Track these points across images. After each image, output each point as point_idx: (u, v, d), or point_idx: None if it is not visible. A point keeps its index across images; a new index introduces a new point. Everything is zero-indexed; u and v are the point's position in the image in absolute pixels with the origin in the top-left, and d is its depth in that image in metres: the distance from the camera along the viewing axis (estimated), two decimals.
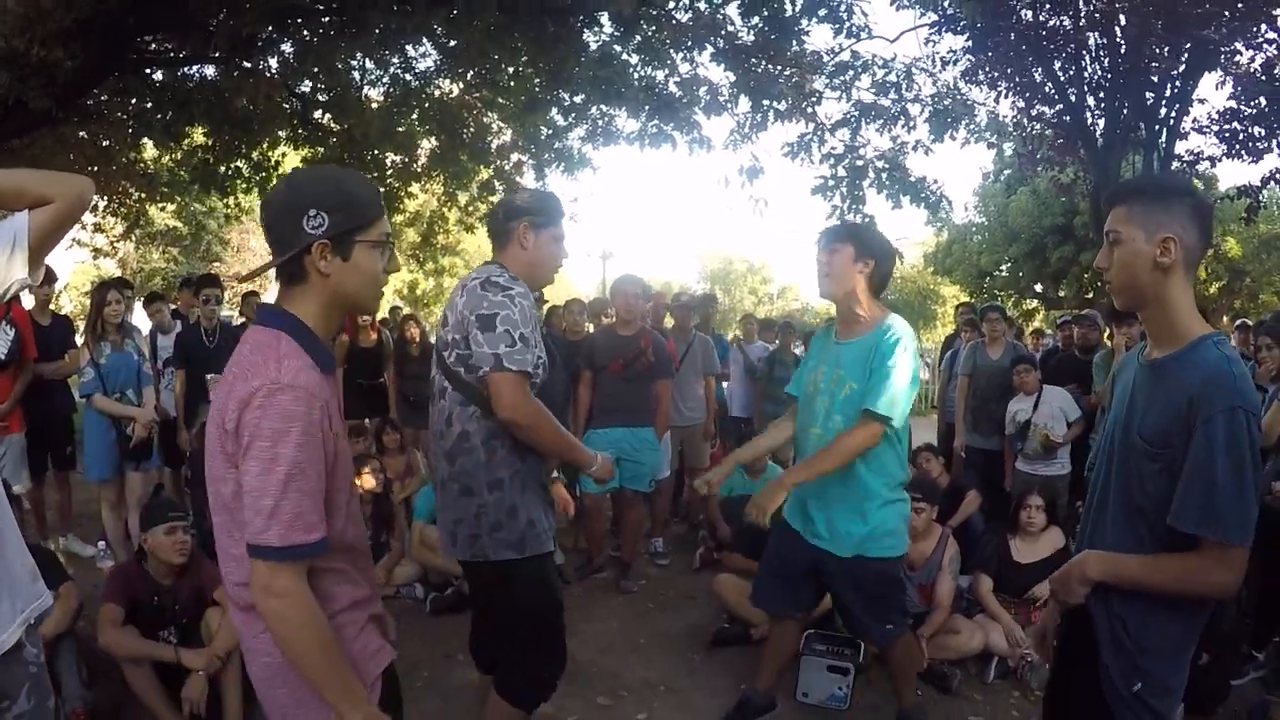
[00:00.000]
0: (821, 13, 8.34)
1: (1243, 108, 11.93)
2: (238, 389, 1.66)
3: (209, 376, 6.02)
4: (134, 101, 9.82)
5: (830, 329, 3.55)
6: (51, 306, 6.40)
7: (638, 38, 8.35)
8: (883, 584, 3.41)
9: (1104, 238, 2.08)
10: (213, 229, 26.49)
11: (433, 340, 4.72)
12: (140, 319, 8.32)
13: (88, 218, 12.82)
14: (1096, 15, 11.08)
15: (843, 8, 8.38)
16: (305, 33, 8.29)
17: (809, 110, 8.52)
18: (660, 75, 8.96)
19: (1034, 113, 12.85)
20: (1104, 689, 2.08)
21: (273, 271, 1.80)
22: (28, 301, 5.84)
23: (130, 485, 5.61)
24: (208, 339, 6.35)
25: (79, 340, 6.05)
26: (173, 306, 8.04)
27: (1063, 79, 12.11)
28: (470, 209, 12.71)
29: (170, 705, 3.53)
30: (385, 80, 10.60)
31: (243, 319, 7.73)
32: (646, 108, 8.62)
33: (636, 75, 8.81)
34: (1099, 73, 12.08)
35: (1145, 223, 1.99)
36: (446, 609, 5.05)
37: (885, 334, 3.24)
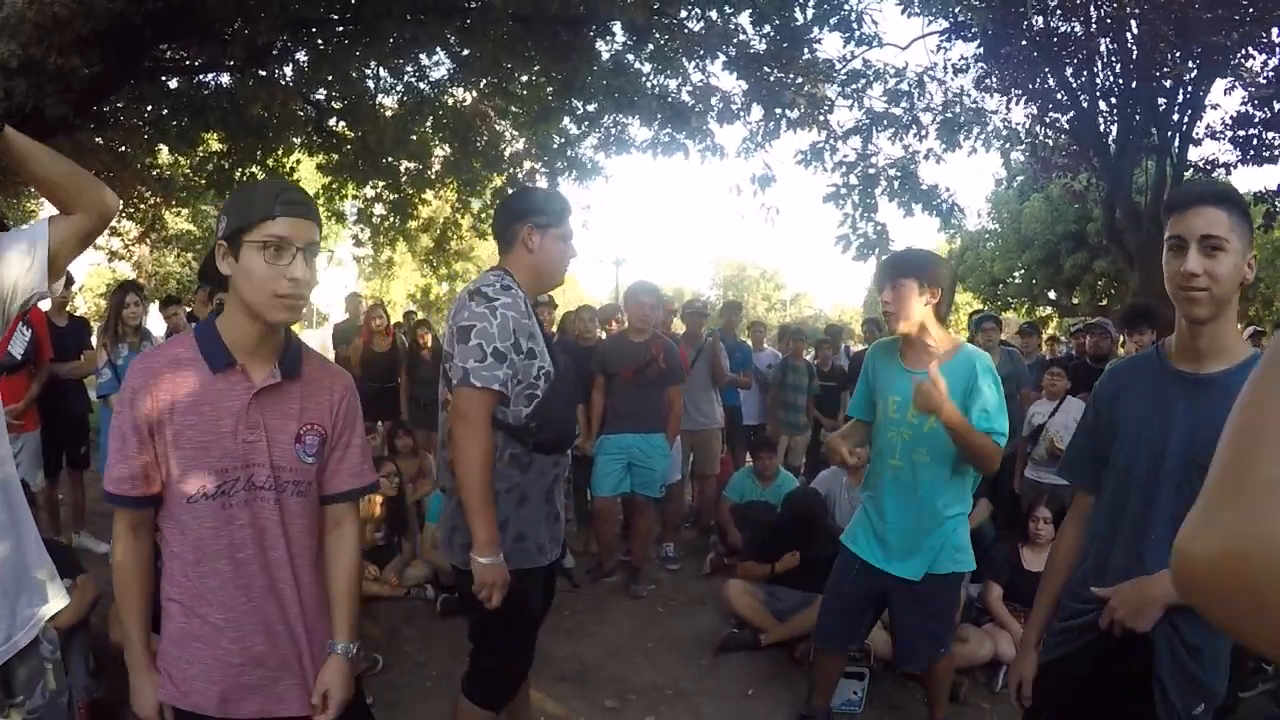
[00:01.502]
0: (833, 21, 8.36)
1: (1255, 113, 11.89)
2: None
3: None
4: (150, 108, 9.90)
5: (889, 352, 3.39)
6: (67, 309, 6.46)
7: (650, 47, 8.38)
8: (949, 602, 3.41)
9: (1190, 241, 1.93)
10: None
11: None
12: (155, 323, 8.40)
13: None
14: (1108, 21, 11.09)
15: (853, 16, 8.40)
16: (320, 42, 8.35)
17: (821, 118, 8.53)
18: (673, 84, 8.98)
19: (1047, 119, 12.84)
20: (1160, 716, 2.02)
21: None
22: (44, 303, 5.90)
23: None
24: None
25: (94, 342, 6.12)
26: (187, 310, 8.11)
27: (1074, 85, 12.11)
28: (484, 215, 12.77)
29: None
30: (399, 89, 10.64)
31: None
32: (659, 116, 8.63)
33: (649, 84, 8.83)
34: (1111, 79, 12.08)
35: (1243, 233, 1.95)
36: (456, 610, 5.08)
37: (971, 362, 3.16)
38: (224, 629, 1.91)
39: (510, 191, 11.69)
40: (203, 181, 11.99)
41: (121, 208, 12.58)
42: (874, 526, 3.37)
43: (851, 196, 8.94)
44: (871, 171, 8.93)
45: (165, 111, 9.90)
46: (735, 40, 7.98)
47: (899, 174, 8.87)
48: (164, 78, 9.36)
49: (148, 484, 1.86)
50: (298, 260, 1.81)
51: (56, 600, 2.11)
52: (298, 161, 11.99)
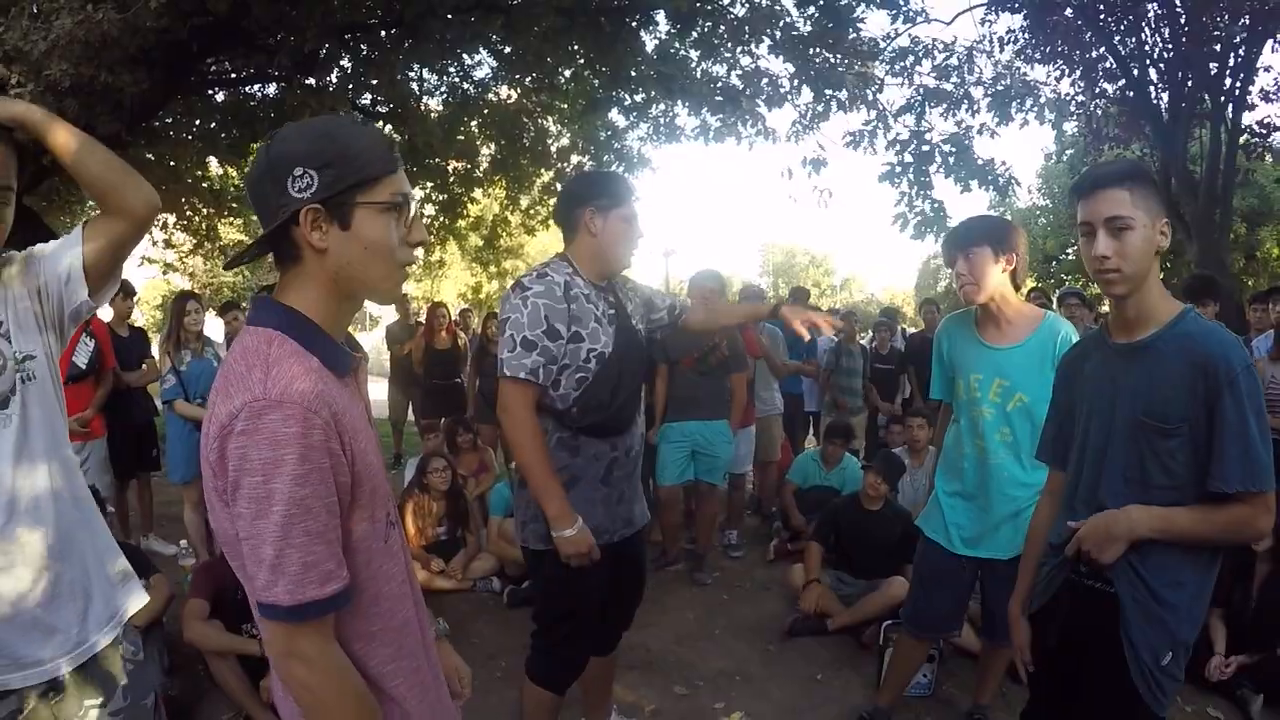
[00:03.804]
0: (878, 1, 8.29)
1: None
2: (218, 410, 1.29)
3: None
4: (198, 122, 10.11)
5: (964, 326, 3.25)
6: (128, 320, 6.59)
7: (694, 34, 8.34)
8: None
9: (1098, 226, 2.02)
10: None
11: None
12: (212, 330, 8.55)
13: (158, 234, 13.20)
14: None
15: None
16: (364, 47, 8.44)
17: (871, 98, 8.45)
18: (721, 70, 8.93)
19: (1096, 89, 12.57)
20: (1130, 671, 2.06)
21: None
22: (106, 314, 6.03)
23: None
24: None
25: (155, 351, 6.23)
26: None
27: (1123, 53, 11.83)
28: (532, 211, 12.85)
29: (253, 695, 3.64)
30: (444, 90, 10.74)
31: None
32: (712, 102, 8.59)
33: (699, 70, 8.80)
34: (1160, 45, 11.78)
35: (1149, 207, 2.01)
36: (523, 601, 5.11)
37: (1056, 335, 3.03)
38: (436, 698, 1.60)
39: (569, 178, 11.80)
40: (235, 201, 12.19)
41: (175, 221, 12.85)
42: (957, 509, 3.28)
43: (907, 175, 8.85)
44: (926, 149, 8.83)
45: (213, 124, 10.11)
46: (781, 23, 7.91)
47: (953, 150, 8.75)
48: (211, 91, 9.55)
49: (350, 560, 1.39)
50: (419, 221, 1.46)
51: (136, 599, 2.09)
52: None
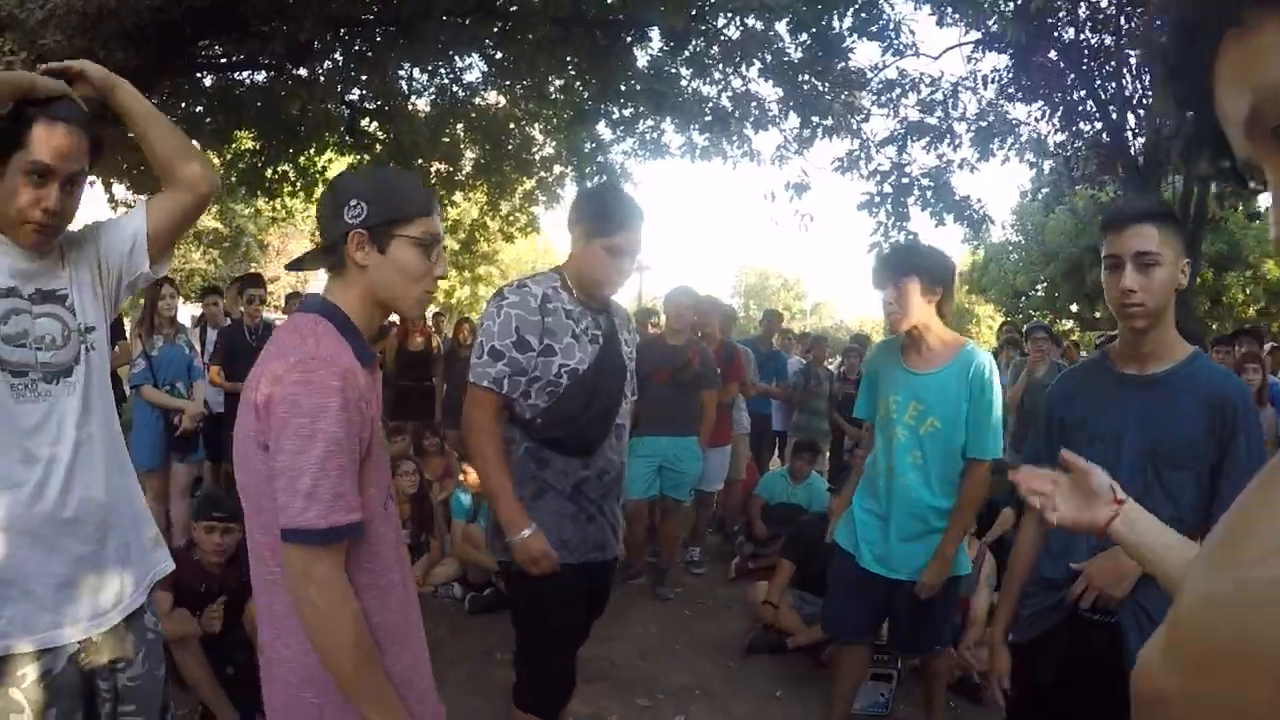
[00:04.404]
0: (872, 30, 8.41)
1: None
2: (272, 366, 1.59)
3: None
4: (184, 105, 9.98)
5: (892, 351, 3.37)
6: None
7: (687, 53, 8.41)
8: (946, 602, 3.39)
9: (1126, 260, 2.09)
10: (252, 232, 26.91)
11: None
12: (185, 317, 8.49)
13: None
14: (1138, 33, 11.05)
15: (891, 26, 8.45)
16: (359, 43, 8.42)
17: (855, 127, 8.56)
18: (713, 91, 9.02)
19: (1074, 128, 12.80)
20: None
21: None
22: None
23: (175, 476, 5.74)
24: (250, 337, 6.47)
25: (127, 334, 6.18)
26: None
27: (1103, 97, 12.07)
28: (511, 218, 12.84)
29: (215, 686, 3.61)
30: (432, 91, 10.74)
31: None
32: (699, 122, 8.67)
33: (689, 89, 8.87)
34: (1140, 91, 12.03)
35: (1174, 245, 2.09)
36: (484, 609, 5.11)
37: (971, 365, 3.13)
38: (411, 660, 1.81)
39: (542, 199, 11.82)
40: (234, 179, 12.09)
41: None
42: (869, 526, 3.35)
43: (885, 205, 8.97)
44: (905, 181, 8.97)
45: (199, 109, 9.97)
46: (773, 48, 7.99)
47: (932, 184, 8.89)
48: (200, 74, 9.44)
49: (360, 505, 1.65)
50: (442, 258, 1.80)
51: (165, 563, 2.23)
52: (329, 161, 12.05)
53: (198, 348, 6.19)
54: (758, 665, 4.67)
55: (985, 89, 11.34)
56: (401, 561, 1.82)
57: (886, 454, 3.27)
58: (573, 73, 8.98)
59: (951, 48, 11.02)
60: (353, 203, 1.68)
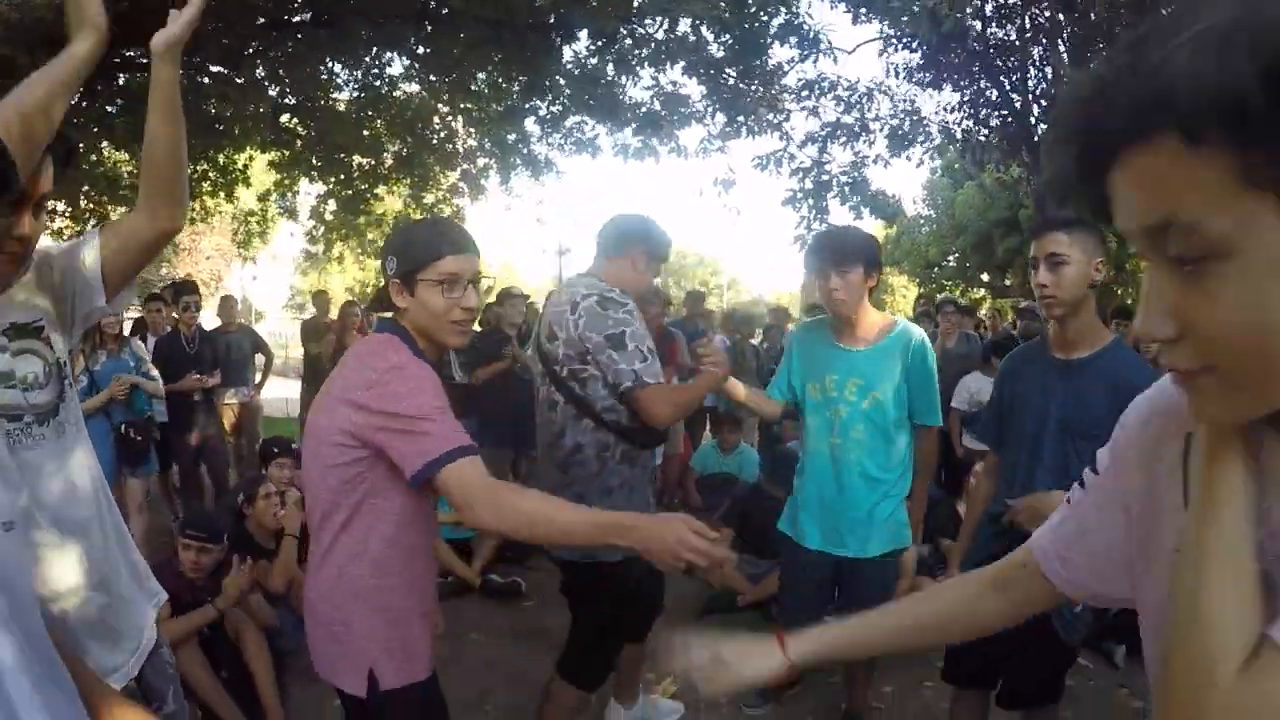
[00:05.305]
0: (793, 40, 8.76)
1: None
2: (361, 375, 1.92)
3: (193, 376, 6.23)
4: (97, 105, 9.74)
5: (819, 333, 3.47)
6: None
7: (612, 54, 8.63)
8: (892, 577, 3.48)
9: (1040, 260, 2.49)
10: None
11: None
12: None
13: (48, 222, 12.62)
14: (1044, 23, 11.61)
15: (810, 35, 8.83)
16: (289, 45, 8.40)
17: (777, 122, 8.94)
18: (645, 95, 9.27)
19: (980, 116, 13.34)
20: (1054, 624, 2.54)
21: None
22: None
23: (129, 491, 5.63)
24: (187, 345, 6.49)
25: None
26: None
27: (1007, 87, 12.64)
28: (436, 211, 12.77)
29: (218, 689, 3.66)
30: (354, 85, 10.70)
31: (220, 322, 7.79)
32: (633, 124, 8.95)
33: (619, 92, 9.06)
34: (1043, 84, 12.64)
35: (1086, 246, 2.47)
36: (452, 594, 5.27)
37: (908, 340, 3.28)
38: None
39: (466, 190, 11.85)
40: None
41: (64, 207, 12.36)
42: (817, 510, 3.40)
43: (807, 200, 9.42)
44: (825, 178, 9.44)
45: (111, 109, 9.75)
46: (698, 49, 8.23)
47: (849, 180, 9.39)
48: (115, 75, 9.24)
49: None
50: (469, 291, 2.03)
51: (160, 591, 2.16)
52: (250, 158, 11.92)
53: (145, 356, 6.03)
54: (714, 624, 4.95)
55: (897, 79, 11.81)
56: (427, 556, 2.15)
57: (829, 433, 3.33)
58: (497, 72, 9.11)
59: (864, 43, 11.41)
60: (389, 258, 2.03)
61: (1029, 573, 1.17)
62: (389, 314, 2.11)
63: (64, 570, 1.79)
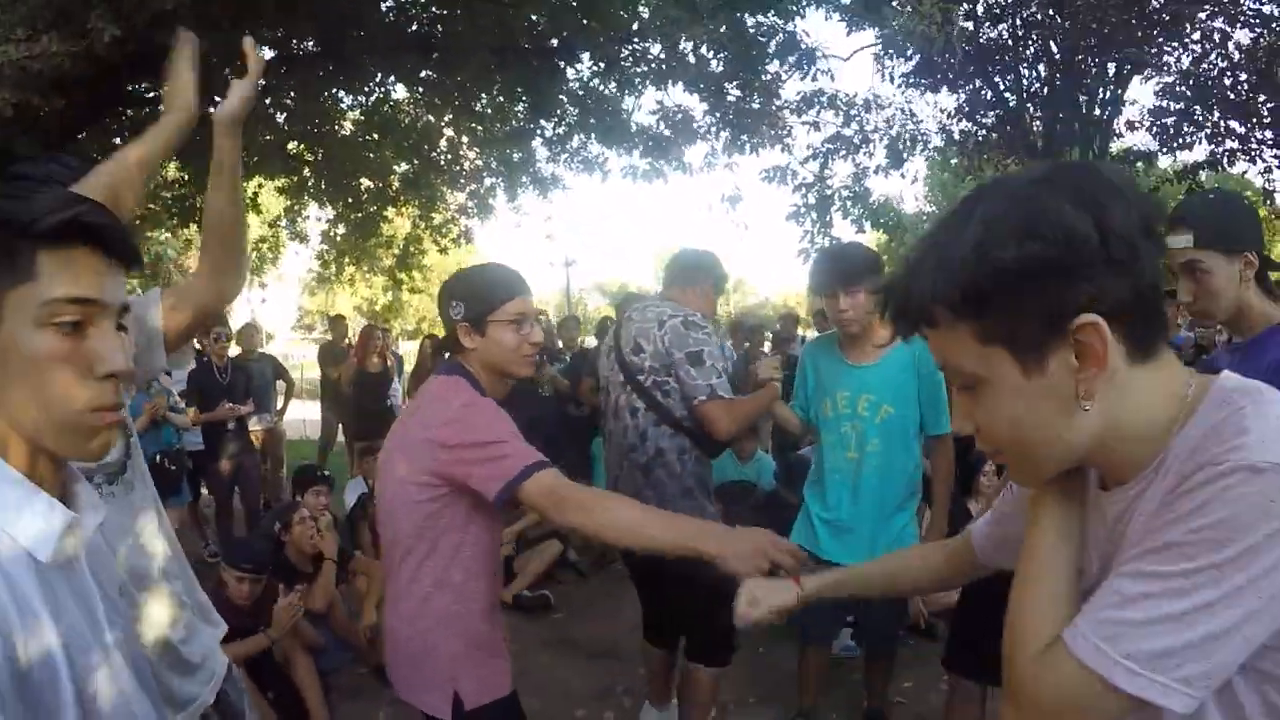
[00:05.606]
0: (791, 59, 8.95)
1: (1170, 105, 12.55)
2: (438, 413, 2.10)
3: (225, 405, 6.36)
4: (114, 141, 9.85)
5: (829, 349, 3.55)
6: None
7: (615, 75, 8.79)
8: None
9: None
10: (170, 256, 26.45)
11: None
12: None
13: None
14: (1037, 18, 11.73)
15: (807, 55, 9.02)
16: (297, 76, 8.54)
17: (780, 135, 9.09)
18: (651, 120, 9.48)
19: (976, 116, 13.45)
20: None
21: None
22: None
23: None
24: (220, 375, 6.63)
25: None
26: None
27: (1002, 88, 12.77)
28: (444, 230, 12.91)
29: (268, 708, 3.77)
30: (358, 109, 10.79)
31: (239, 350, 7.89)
32: (640, 146, 9.14)
33: (624, 113, 9.26)
34: (1037, 82, 12.76)
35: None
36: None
37: (916, 351, 3.29)
38: (499, 620, 2.29)
39: (474, 209, 11.96)
40: (157, 209, 11.84)
41: None
42: (830, 523, 3.47)
43: (810, 214, 9.58)
44: (828, 193, 9.61)
45: (118, 140, 9.81)
46: (703, 69, 8.39)
47: (851, 194, 9.56)
48: (124, 110, 9.37)
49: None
50: (535, 327, 2.22)
51: (220, 623, 2.19)
52: (260, 186, 11.97)
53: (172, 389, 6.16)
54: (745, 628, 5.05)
55: (893, 84, 11.99)
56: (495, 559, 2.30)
57: (843, 447, 3.42)
58: (502, 95, 9.26)
59: (857, 51, 11.57)
60: (454, 303, 2.17)
61: (964, 543, 1.52)
62: (449, 353, 2.29)
63: (143, 621, 1.84)
